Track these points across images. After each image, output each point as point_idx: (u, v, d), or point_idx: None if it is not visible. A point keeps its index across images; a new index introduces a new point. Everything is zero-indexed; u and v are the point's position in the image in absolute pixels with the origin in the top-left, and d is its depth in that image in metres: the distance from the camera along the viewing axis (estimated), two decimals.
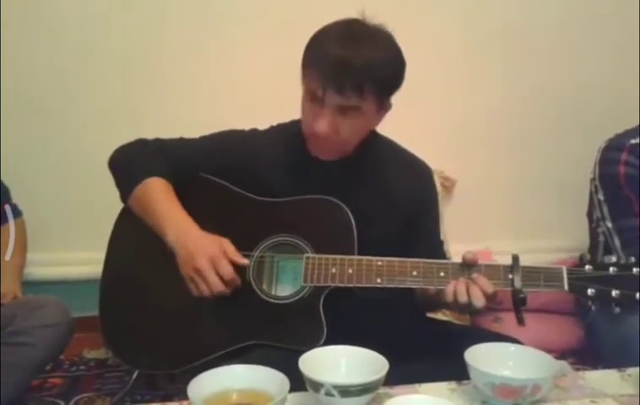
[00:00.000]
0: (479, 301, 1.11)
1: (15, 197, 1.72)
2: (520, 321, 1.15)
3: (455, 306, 1.16)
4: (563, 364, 1.14)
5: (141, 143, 1.36)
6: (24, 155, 1.88)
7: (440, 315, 1.90)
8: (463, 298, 1.12)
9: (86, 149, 1.92)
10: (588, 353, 1.85)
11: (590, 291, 1.12)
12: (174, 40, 1.92)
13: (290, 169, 1.32)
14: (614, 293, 1.11)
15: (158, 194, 1.27)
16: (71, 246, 1.94)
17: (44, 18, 1.85)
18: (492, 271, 1.16)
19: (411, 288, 1.29)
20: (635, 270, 1.11)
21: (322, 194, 1.26)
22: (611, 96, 2.15)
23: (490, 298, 1.13)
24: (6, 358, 1.37)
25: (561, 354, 1.86)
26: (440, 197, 2.02)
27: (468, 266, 1.16)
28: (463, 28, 2.08)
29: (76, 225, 1.94)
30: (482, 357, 0.97)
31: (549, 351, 1.03)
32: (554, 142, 2.19)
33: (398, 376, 0.96)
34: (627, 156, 1.58)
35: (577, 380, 1.07)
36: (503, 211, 2.17)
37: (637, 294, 1.10)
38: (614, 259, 1.13)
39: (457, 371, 1.00)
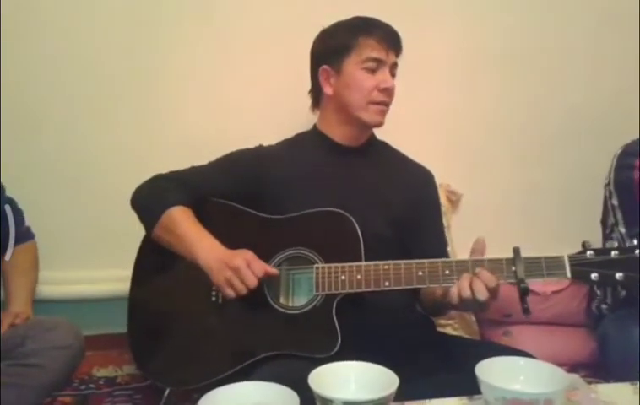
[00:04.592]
0: (482, 295, 1.15)
1: (25, 216, 1.74)
2: (525, 312, 1.17)
3: (460, 305, 1.20)
4: (575, 378, 1.14)
5: (157, 178, 1.44)
6: (33, 173, 1.89)
7: (450, 330, 1.89)
8: (466, 293, 1.16)
9: (96, 167, 1.93)
10: (601, 366, 1.83)
11: (594, 276, 1.13)
12: (180, 49, 1.92)
13: (308, 169, 1.43)
14: (618, 276, 1.12)
15: (182, 221, 1.35)
16: (80, 265, 1.95)
17: (48, 30, 1.85)
18: (495, 265, 1.20)
19: (418, 294, 1.39)
20: (637, 252, 1.11)
21: (339, 186, 1.39)
22: (616, 105, 2.14)
23: (493, 292, 1.17)
24: (17, 379, 1.37)
25: (572, 367, 1.84)
26: (446, 211, 2.03)
27: (472, 261, 1.20)
28: (467, 42, 2.08)
29: (86, 244, 1.95)
30: (493, 371, 0.96)
31: (560, 364, 1.02)
32: (561, 153, 2.18)
33: (408, 392, 0.96)
34: None
35: (590, 394, 1.06)
36: (510, 224, 2.16)
37: None
38: (615, 243, 1.13)
39: (468, 386, 0.99)
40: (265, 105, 1.93)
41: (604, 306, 1.81)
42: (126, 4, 1.89)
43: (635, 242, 1.13)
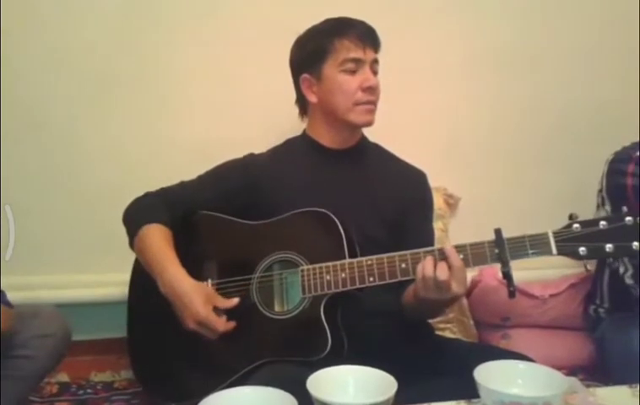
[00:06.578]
0: (442, 275, 1.15)
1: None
2: (511, 295, 1.16)
3: (422, 287, 1.17)
4: (573, 381, 1.13)
5: (145, 195, 1.45)
6: (31, 176, 1.89)
7: (448, 333, 1.89)
8: (429, 271, 1.16)
9: (94, 169, 1.92)
10: (599, 369, 1.84)
11: (582, 250, 1.09)
12: (181, 50, 1.92)
13: (298, 176, 1.42)
14: (608, 247, 1.07)
15: (154, 243, 1.35)
16: (78, 269, 1.94)
17: (46, 33, 1.85)
18: (478, 249, 1.18)
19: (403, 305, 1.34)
20: (628, 219, 1.07)
21: (329, 191, 1.37)
22: (617, 106, 2.14)
23: (456, 274, 1.16)
24: (10, 372, 1.37)
25: (570, 371, 1.84)
26: (444, 215, 2.03)
27: (454, 247, 1.19)
28: (465, 45, 2.08)
29: (83, 248, 1.94)
30: (491, 375, 0.96)
31: (558, 367, 1.03)
32: (561, 156, 2.18)
33: (406, 395, 0.96)
34: (634, 168, 1.57)
35: (588, 397, 1.06)
36: (508, 228, 2.15)
37: (634, 244, 1.06)
38: (603, 213, 1.10)
39: (466, 389, 0.99)
40: (266, 107, 1.93)
41: (601, 310, 1.82)
42: (126, 6, 1.89)
43: (625, 209, 1.09)
